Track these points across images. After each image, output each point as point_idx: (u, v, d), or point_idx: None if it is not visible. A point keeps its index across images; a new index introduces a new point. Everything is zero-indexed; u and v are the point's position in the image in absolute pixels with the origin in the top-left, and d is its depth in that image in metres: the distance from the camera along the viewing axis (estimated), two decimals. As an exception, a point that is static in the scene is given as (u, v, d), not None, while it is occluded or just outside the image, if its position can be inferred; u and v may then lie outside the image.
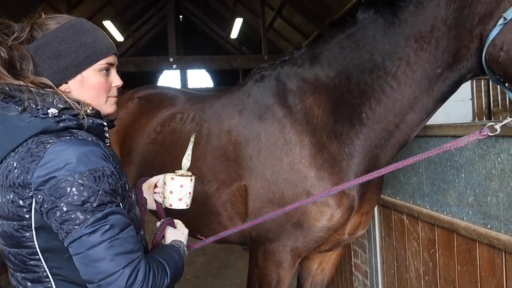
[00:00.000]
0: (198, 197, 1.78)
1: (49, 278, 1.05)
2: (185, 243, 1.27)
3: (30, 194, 0.98)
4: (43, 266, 1.04)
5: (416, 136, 2.10)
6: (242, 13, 13.04)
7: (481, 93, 5.45)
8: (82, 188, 0.95)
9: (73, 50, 1.08)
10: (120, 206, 1.03)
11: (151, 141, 2.35)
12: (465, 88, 5.32)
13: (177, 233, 1.28)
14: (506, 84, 1.45)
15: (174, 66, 11.08)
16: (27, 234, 1.01)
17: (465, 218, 1.75)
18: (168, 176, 1.37)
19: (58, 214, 0.95)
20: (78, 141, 1.01)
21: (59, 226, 0.96)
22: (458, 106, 5.26)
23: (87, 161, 0.97)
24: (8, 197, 1.01)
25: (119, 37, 13.00)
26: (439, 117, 5.35)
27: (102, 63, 1.12)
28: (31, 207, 0.99)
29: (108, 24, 11.09)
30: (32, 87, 1.03)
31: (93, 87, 1.12)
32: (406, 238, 2.26)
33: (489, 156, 1.60)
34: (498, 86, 6.42)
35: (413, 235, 2.18)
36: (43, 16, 1.13)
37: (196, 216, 1.96)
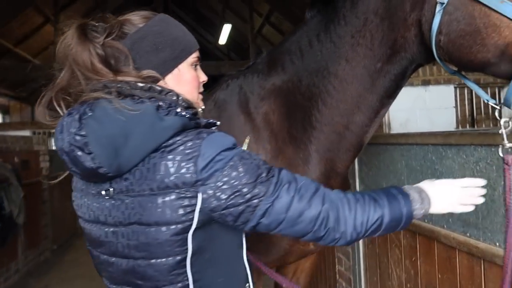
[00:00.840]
0: None
1: (188, 287, 0.99)
2: (441, 194, 1.15)
3: (195, 193, 0.93)
4: (186, 273, 0.98)
5: (398, 144, 2.12)
6: (231, 19, 13.08)
7: (464, 101, 5.53)
8: (246, 166, 0.96)
9: (169, 43, 1.04)
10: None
11: None
12: (449, 96, 5.40)
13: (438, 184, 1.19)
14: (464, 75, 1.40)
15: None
16: (183, 236, 0.95)
17: (445, 226, 1.76)
18: None
19: (240, 197, 0.93)
20: (219, 133, 1.01)
21: (245, 207, 0.94)
22: (442, 114, 5.33)
23: (234, 146, 0.98)
24: (166, 199, 0.93)
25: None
26: (424, 125, 5.40)
27: (194, 57, 1.10)
28: (195, 207, 0.94)
29: (95, 28, 10.97)
30: (144, 84, 0.97)
31: (188, 82, 1.09)
32: (388, 245, 2.26)
33: (468, 164, 1.62)
34: (481, 95, 6.41)
35: (395, 243, 2.19)
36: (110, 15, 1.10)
37: None
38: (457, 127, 5.28)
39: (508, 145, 1.15)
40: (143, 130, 0.93)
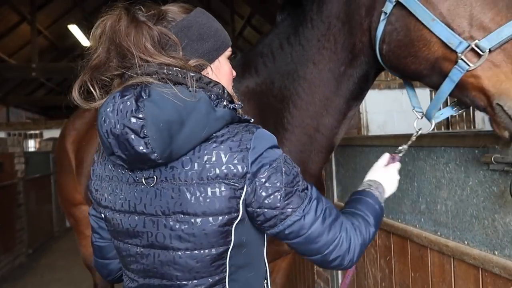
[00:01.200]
0: None
1: (225, 280, 0.98)
2: (388, 181, 1.30)
3: (243, 185, 0.93)
4: (226, 265, 0.97)
5: (373, 145, 2.17)
6: (212, 21, 13.03)
7: (439, 104, 5.67)
8: (289, 170, 0.97)
9: (212, 34, 1.05)
10: None
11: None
12: (425, 100, 5.54)
13: (381, 171, 1.33)
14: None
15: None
16: (228, 229, 0.95)
17: (417, 226, 1.81)
18: None
19: (278, 199, 0.94)
20: (265, 130, 1.01)
21: (281, 211, 0.95)
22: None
23: (278, 147, 1.00)
24: (216, 189, 0.92)
25: (86, 42, 12.69)
26: (401, 127, 5.48)
27: (230, 50, 1.11)
28: (240, 199, 0.94)
29: (74, 28, 10.80)
30: (195, 74, 0.96)
31: (226, 74, 1.10)
32: (364, 245, 2.31)
33: (438, 165, 1.67)
34: (455, 98, 6.62)
35: (371, 243, 2.23)
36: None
37: None
38: (433, 129, 5.42)
39: (402, 146, 1.31)
40: (199, 118, 0.92)
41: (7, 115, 16.38)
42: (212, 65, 1.05)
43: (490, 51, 1.11)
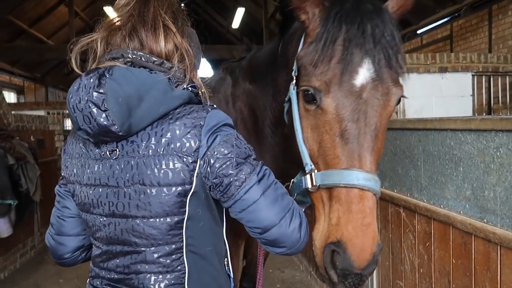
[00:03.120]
0: None
1: (182, 249, 1.05)
2: None
3: (196, 158, 1.01)
4: (182, 235, 1.04)
5: (415, 129, 2.10)
6: (244, 3, 12.93)
7: (482, 89, 5.42)
8: (240, 144, 1.05)
9: (199, 51, 1.26)
10: None
11: None
12: (466, 84, 5.31)
13: None
14: None
15: (175, 54, 10.98)
16: (184, 199, 1.02)
17: (461, 212, 1.75)
18: None
19: (230, 168, 1.01)
20: (219, 110, 1.10)
21: (233, 179, 1.01)
22: (458, 102, 5.26)
23: (233, 126, 1.10)
24: (164, 162, 1.00)
25: (120, 24, 12.88)
26: (439, 113, 5.35)
27: None
28: (194, 172, 1.01)
29: (109, 10, 10.96)
30: (157, 59, 1.08)
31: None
32: (402, 230, 2.27)
33: (488, 150, 1.60)
34: (499, 83, 6.38)
35: (409, 228, 2.19)
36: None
37: None
38: (474, 116, 5.20)
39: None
40: (156, 95, 1.01)
41: (46, 94, 17.00)
42: (195, 71, 1.20)
43: (319, 187, 1.21)
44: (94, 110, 0.97)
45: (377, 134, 1.19)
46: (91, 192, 1.08)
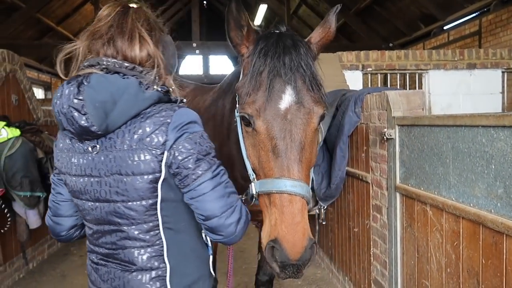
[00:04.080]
0: None
1: (159, 227, 1.24)
2: None
3: (163, 150, 1.17)
4: (157, 215, 1.22)
5: (444, 125, 2.05)
6: (266, 0, 12.89)
7: (512, 86, 5.26)
8: (203, 142, 1.22)
9: (176, 58, 1.41)
10: None
11: None
12: (496, 81, 5.14)
13: None
14: None
15: (197, 51, 11.07)
16: (153, 186, 1.19)
17: (493, 211, 1.70)
18: None
19: (191, 162, 1.18)
20: (188, 108, 1.25)
21: (191, 172, 1.19)
22: (487, 100, 5.11)
23: (199, 123, 1.25)
24: (137, 154, 1.17)
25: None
26: (466, 110, 5.22)
27: None
28: (162, 162, 1.18)
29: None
30: (129, 64, 1.23)
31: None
32: (429, 229, 2.22)
33: (522, 147, 1.55)
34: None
35: (436, 227, 2.14)
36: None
37: None
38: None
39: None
40: (128, 98, 1.18)
41: (72, 91, 17.38)
42: (169, 76, 1.35)
43: (258, 194, 1.47)
44: (75, 114, 1.16)
45: (303, 147, 1.44)
46: (78, 181, 1.26)
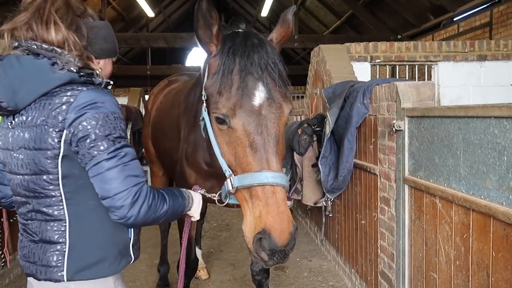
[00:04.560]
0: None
1: (62, 202, 1.29)
2: (197, 201, 1.58)
3: (62, 128, 1.23)
4: (59, 190, 1.28)
5: (455, 116, 2.02)
6: (274, -9, 12.77)
7: (523, 78, 5.17)
8: (106, 123, 1.24)
9: (112, 42, 1.50)
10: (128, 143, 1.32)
11: (157, 108, 3.35)
12: (507, 73, 5.06)
13: (194, 192, 1.60)
14: None
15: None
16: (54, 162, 1.26)
17: (504, 203, 1.67)
18: None
19: (87, 141, 1.22)
20: (100, 90, 1.31)
21: (87, 151, 1.23)
22: (497, 92, 5.03)
23: (109, 106, 1.27)
24: (39, 131, 1.25)
25: (150, 13, 13.03)
26: (476, 102, 5.16)
27: (115, 58, 1.58)
28: (61, 139, 1.24)
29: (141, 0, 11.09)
30: (48, 46, 1.30)
31: (108, 71, 1.54)
32: (437, 221, 2.20)
33: (536, 138, 1.52)
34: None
35: (445, 219, 2.12)
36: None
37: None
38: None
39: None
40: (36, 78, 1.26)
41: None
42: (101, 60, 1.48)
43: (237, 188, 1.52)
44: None
45: (278, 140, 1.53)
46: (2, 154, 1.37)
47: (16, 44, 1.30)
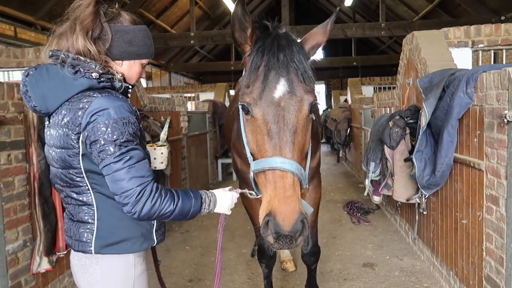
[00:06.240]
0: None
1: (89, 191, 1.52)
2: (222, 201, 1.68)
3: (80, 130, 1.43)
4: (85, 182, 1.51)
5: None
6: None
7: None
8: (114, 129, 1.41)
9: (140, 45, 1.61)
10: (138, 145, 1.47)
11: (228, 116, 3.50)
12: None
13: (222, 192, 1.71)
14: None
15: (287, 36, 10.98)
16: (76, 158, 1.48)
17: None
18: (151, 147, 1.70)
19: (98, 146, 1.41)
20: (113, 97, 1.47)
21: (97, 154, 1.42)
22: None
23: (119, 112, 1.43)
24: (64, 132, 1.47)
25: (232, 7, 13.35)
26: None
27: (146, 61, 1.69)
28: (79, 140, 1.45)
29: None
30: (83, 57, 1.49)
31: (135, 72, 1.67)
32: (561, 224, 1.94)
33: None
34: None
35: None
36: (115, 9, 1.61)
37: None
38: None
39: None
40: (60, 86, 1.48)
41: (169, 80, 18.66)
42: (128, 61, 1.61)
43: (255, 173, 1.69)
44: (24, 96, 1.53)
45: (295, 131, 1.62)
46: (46, 149, 1.62)
47: (51, 53, 1.52)
